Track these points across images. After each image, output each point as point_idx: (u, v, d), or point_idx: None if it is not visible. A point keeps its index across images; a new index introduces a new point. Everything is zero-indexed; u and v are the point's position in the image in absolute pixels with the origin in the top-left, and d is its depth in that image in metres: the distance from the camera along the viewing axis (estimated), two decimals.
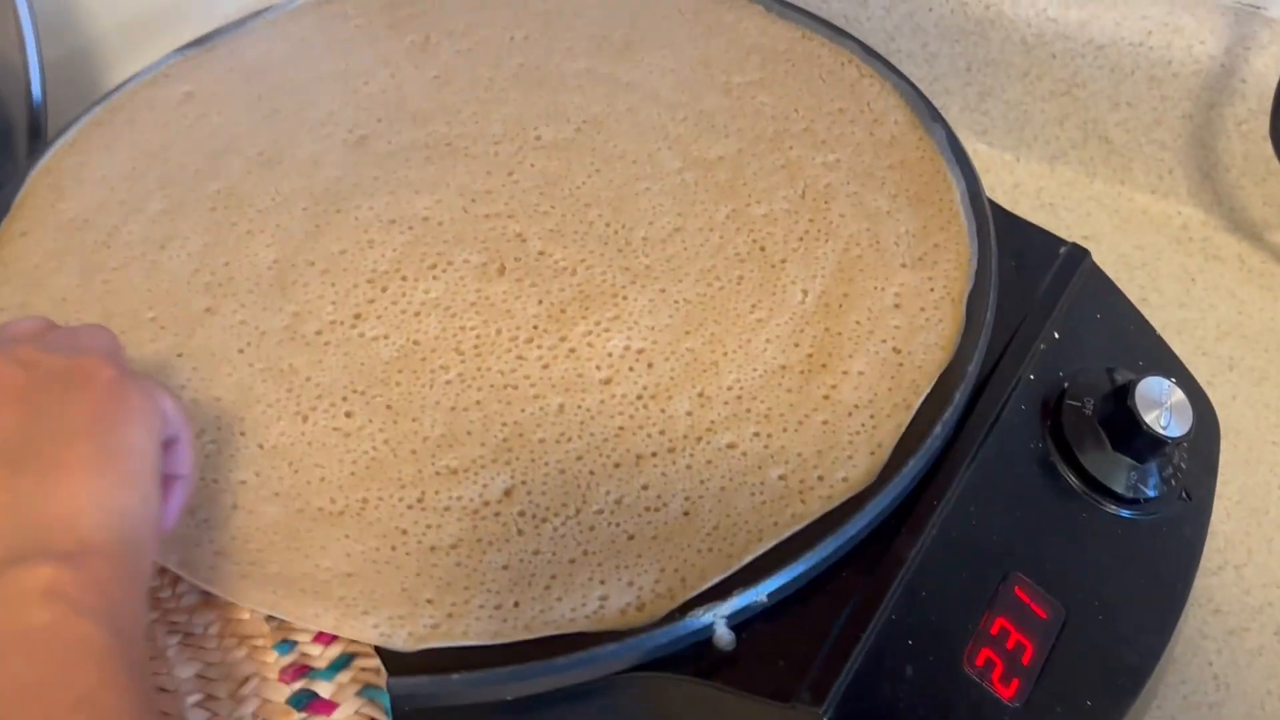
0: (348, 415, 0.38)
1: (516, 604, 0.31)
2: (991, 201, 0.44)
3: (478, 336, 0.40)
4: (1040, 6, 0.54)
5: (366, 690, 0.30)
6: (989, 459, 0.38)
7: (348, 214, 0.44)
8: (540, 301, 0.41)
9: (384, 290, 0.41)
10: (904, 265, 0.41)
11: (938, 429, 0.36)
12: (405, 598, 0.31)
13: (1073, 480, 0.38)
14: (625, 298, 0.41)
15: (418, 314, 0.40)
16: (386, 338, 0.40)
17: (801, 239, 0.43)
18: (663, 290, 0.41)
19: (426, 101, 0.50)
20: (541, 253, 0.42)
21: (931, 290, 0.40)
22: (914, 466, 0.36)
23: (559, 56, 0.52)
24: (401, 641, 0.30)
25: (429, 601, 0.31)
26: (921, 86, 0.49)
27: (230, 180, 0.46)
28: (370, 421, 0.37)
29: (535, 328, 0.40)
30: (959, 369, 0.38)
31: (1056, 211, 0.57)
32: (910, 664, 0.33)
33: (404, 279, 0.42)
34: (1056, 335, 0.41)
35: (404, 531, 0.34)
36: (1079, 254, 0.43)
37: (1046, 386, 0.40)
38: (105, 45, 0.67)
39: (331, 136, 0.48)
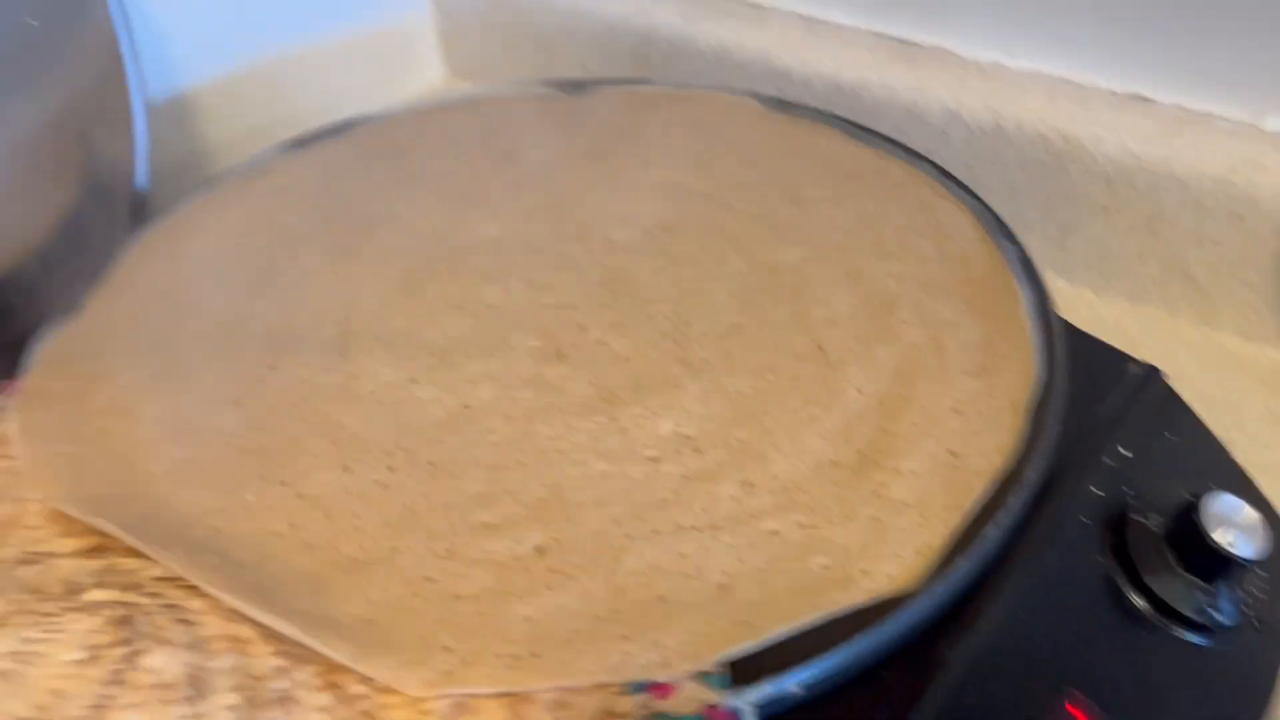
0: (390, 469, 0.38)
1: (535, 654, 0.31)
2: (1061, 317, 0.43)
3: (529, 407, 0.40)
4: (1122, 141, 0.54)
5: None
6: (1047, 570, 0.36)
7: (416, 297, 0.46)
8: (594, 384, 0.41)
9: (442, 361, 0.43)
10: (966, 373, 0.41)
11: (992, 532, 0.35)
12: (421, 643, 0.31)
13: (1136, 599, 0.36)
14: (679, 386, 0.41)
15: (473, 383, 0.41)
16: (439, 400, 0.41)
17: (861, 341, 0.43)
18: (717, 382, 0.41)
19: (505, 204, 0.52)
20: (601, 341, 0.43)
21: (993, 398, 0.40)
22: (964, 569, 0.34)
23: (637, 167, 0.54)
24: (414, 686, 0.30)
25: (445, 649, 0.31)
26: (1004, 219, 0.48)
27: (310, 262, 0.48)
28: (411, 476, 0.38)
29: (586, 405, 0.40)
30: (1019, 474, 0.37)
31: (1138, 349, 0.55)
32: None
33: (465, 354, 0.43)
34: (1124, 452, 0.40)
35: (430, 580, 0.34)
36: (1150, 372, 0.43)
37: (1111, 501, 0.39)
38: (211, 160, 0.72)
39: (412, 229, 0.50)
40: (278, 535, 0.36)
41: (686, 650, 0.31)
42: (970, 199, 0.50)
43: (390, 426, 0.40)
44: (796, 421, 0.40)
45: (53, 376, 0.43)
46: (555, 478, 0.37)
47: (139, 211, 0.57)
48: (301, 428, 0.40)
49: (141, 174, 0.58)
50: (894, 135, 0.57)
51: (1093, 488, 0.39)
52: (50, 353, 0.44)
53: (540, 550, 0.35)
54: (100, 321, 0.46)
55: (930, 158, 0.53)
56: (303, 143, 0.57)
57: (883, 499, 0.37)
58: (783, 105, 0.57)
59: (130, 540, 0.34)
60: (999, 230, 0.48)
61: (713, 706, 0.30)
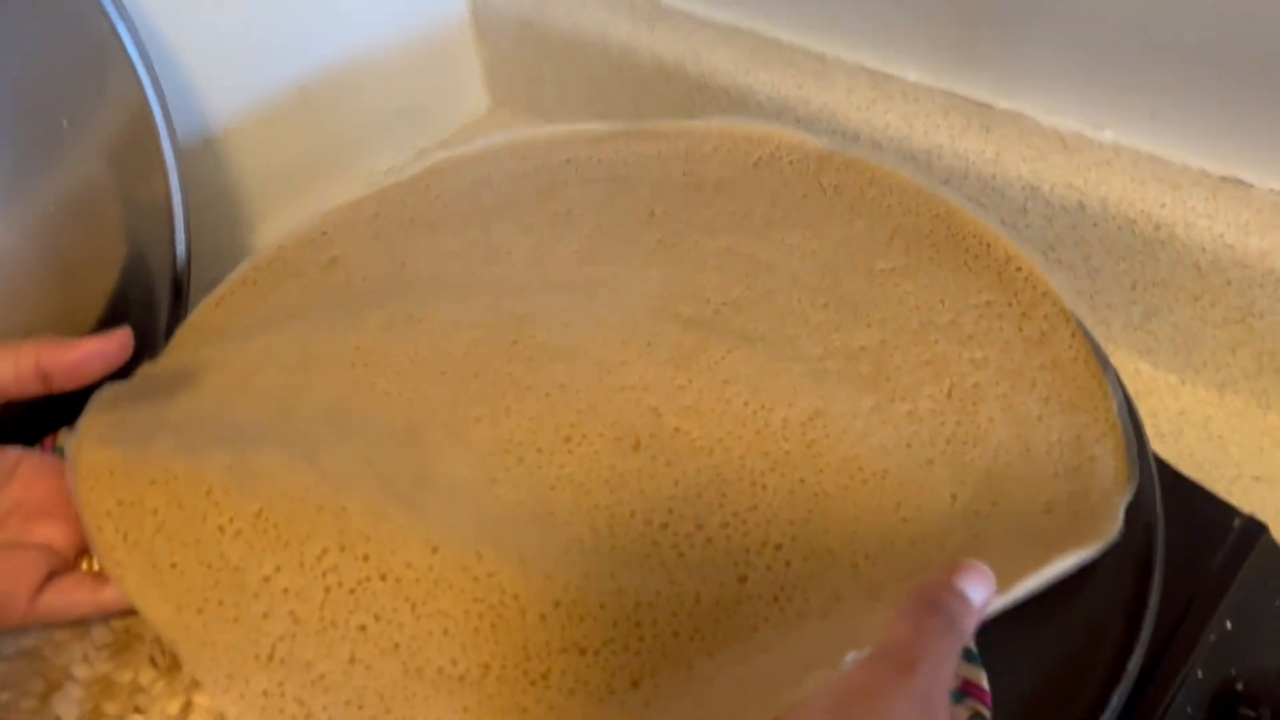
0: (479, 556, 0.39)
1: None
2: (1157, 457, 0.43)
3: (612, 515, 0.40)
4: (1217, 232, 0.53)
5: None
6: None
7: (485, 378, 0.46)
8: (676, 483, 0.41)
9: (520, 461, 0.43)
10: (1056, 475, 0.41)
11: None
12: None
13: None
14: (764, 486, 0.41)
15: (553, 488, 0.42)
16: (521, 504, 0.41)
17: (949, 441, 0.43)
18: (802, 480, 0.42)
19: (567, 275, 0.52)
20: (677, 429, 0.44)
21: (1087, 498, 0.40)
22: None
23: (698, 234, 0.54)
24: None
25: None
26: (1082, 299, 0.48)
27: (367, 339, 0.49)
28: (501, 569, 0.38)
29: (670, 510, 0.41)
30: (1119, 666, 0.36)
31: (1225, 446, 0.54)
32: None
33: (539, 450, 0.43)
34: (1229, 625, 0.39)
35: (525, 710, 0.34)
36: (1255, 528, 0.42)
37: (1216, 685, 0.38)
38: (250, 197, 0.73)
39: (472, 300, 0.50)
40: (361, 631, 0.37)
41: None
42: (1045, 264, 0.50)
43: (474, 517, 0.40)
44: (888, 525, 0.40)
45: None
46: (648, 596, 0.38)
47: (180, 276, 0.57)
48: (380, 495, 0.41)
49: (180, 226, 0.58)
50: (969, 207, 0.55)
51: (1197, 670, 0.38)
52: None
53: (636, 684, 0.36)
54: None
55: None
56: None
57: None
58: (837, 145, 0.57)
59: None
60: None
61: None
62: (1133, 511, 0.39)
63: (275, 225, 0.73)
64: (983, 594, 0.31)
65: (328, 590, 0.38)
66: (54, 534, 0.41)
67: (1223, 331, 0.55)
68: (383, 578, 0.38)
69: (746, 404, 0.45)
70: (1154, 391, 0.57)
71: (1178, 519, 0.40)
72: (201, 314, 0.51)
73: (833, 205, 0.55)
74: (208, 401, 0.46)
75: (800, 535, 0.40)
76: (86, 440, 0.44)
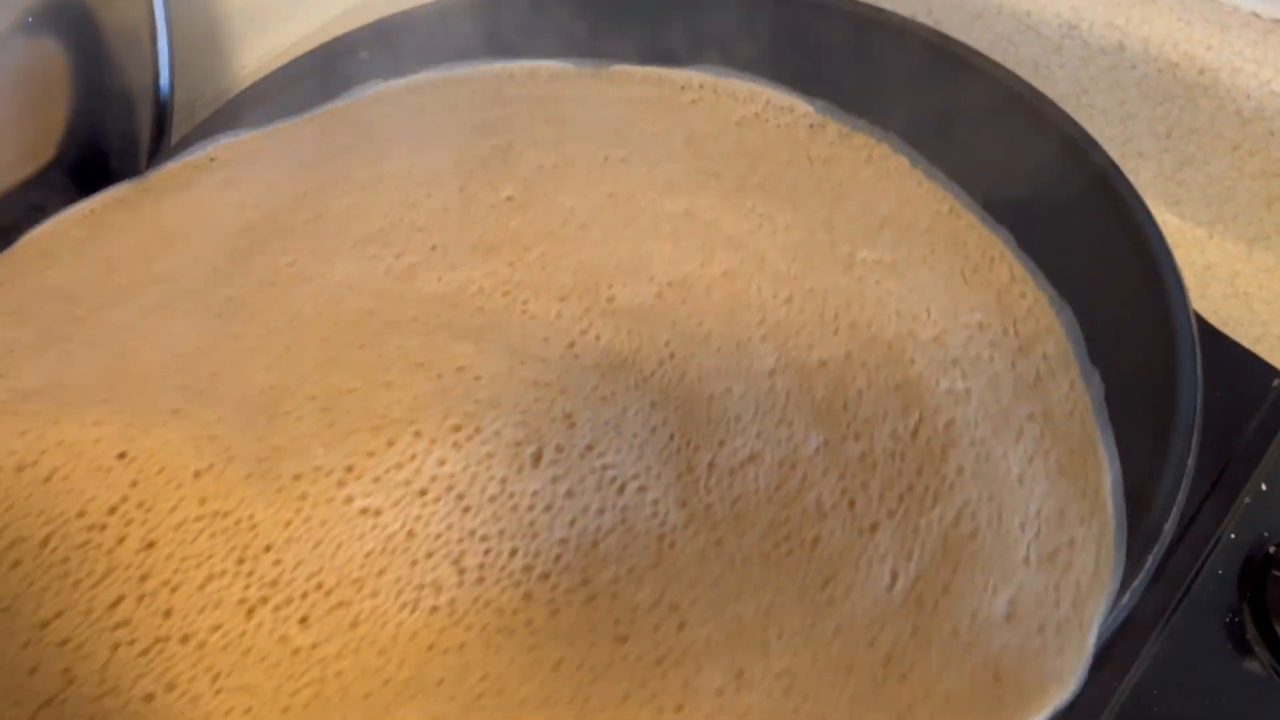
0: (303, 622, 0.32)
1: None
2: (1196, 313, 0.40)
3: (487, 553, 0.34)
4: (1264, 78, 0.50)
5: None
6: (1176, 635, 0.35)
7: (371, 349, 0.39)
8: (573, 522, 0.35)
9: (390, 444, 0.35)
10: (1026, 561, 0.35)
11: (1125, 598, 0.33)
12: None
13: (1271, 662, 0.34)
14: (674, 545, 0.35)
15: (423, 492, 0.35)
16: (378, 514, 0.34)
17: (903, 498, 0.36)
18: (719, 542, 0.35)
19: (492, 230, 0.44)
20: (589, 448, 0.37)
21: (1057, 606, 0.33)
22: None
23: (656, 190, 0.46)
24: None
25: None
26: (1112, 147, 0.46)
27: (246, 289, 0.41)
28: (329, 639, 0.32)
29: (558, 558, 0.34)
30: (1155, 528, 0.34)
31: (1250, 303, 0.52)
32: None
33: (417, 434, 0.36)
34: (1263, 486, 0.38)
35: None
36: None
37: (1248, 547, 0.37)
38: (234, 24, 0.65)
39: (376, 259, 0.43)
40: (148, 701, 0.31)
41: None
42: (1054, 292, 0.42)
43: (311, 548, 0.33)
44: (809, 605, 0.34)
45: None
46: (498, 667, 0.32)
47: (164, 104, 0.51)
48: (197, 516, 0.34)
49: (163, 50, 0.51)
50: (1002, 45, 0.55)
51: (1230, 532, 0.37)
52: None
53: None
54: None
55: (1042, 84, 0.48)
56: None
57: None
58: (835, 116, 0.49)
59: None
60: (1083, 347, 0.41)
61: None
62: (1169, 376, 0.37)
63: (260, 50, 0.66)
64: None
65: (115, 648, 0.31)
66: None
67: (1259, 184, 0.54)
68: (184, 639, 0.31)
69: (673, 436, 0.38)
70: (1180, 245, 0.55)
71: (1215, 377, 0.39)
72: (60, 224, 0.44)
73: (820, 179, 0.47)
74: (28, 329, 0.39)
75: (704, 600, 0.33)
76: None
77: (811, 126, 0.50)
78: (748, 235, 0.45)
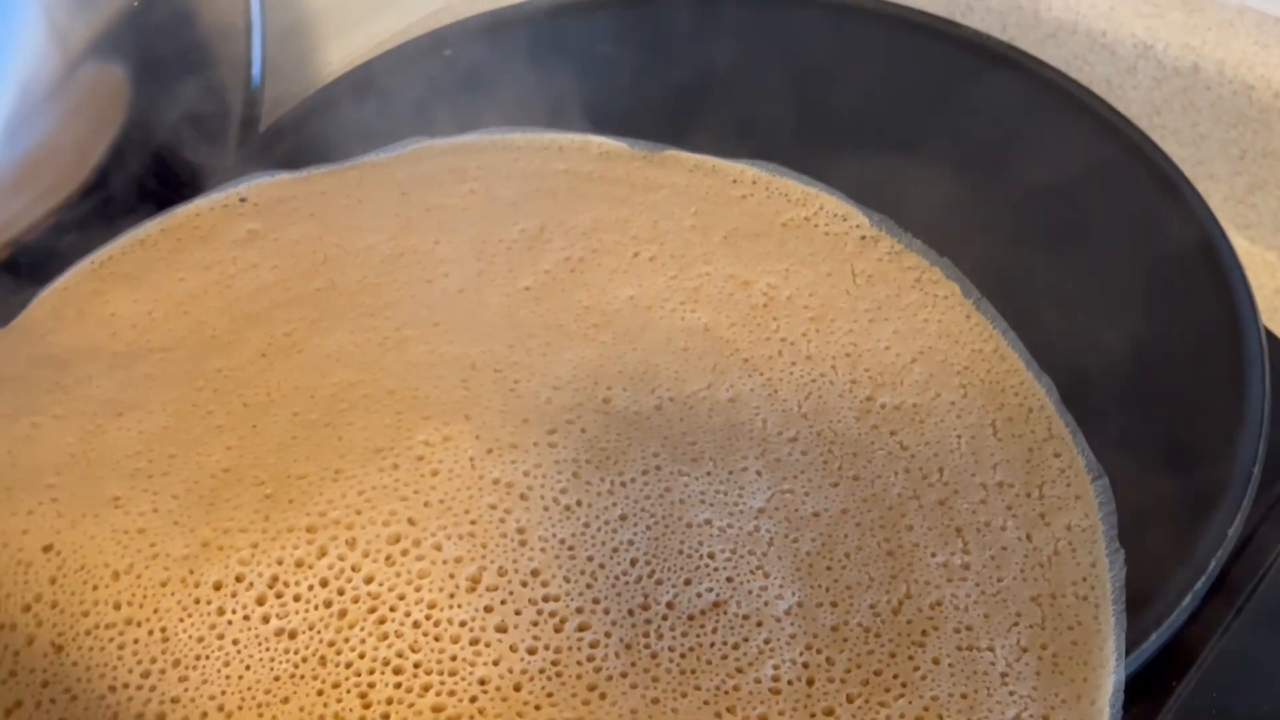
0: None
1: None
2: (1268, 330, 0.44)
3: (398, 687, 0.32)
4: None
5: None
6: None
7: (333, 429, 0.38)
8: (497, 663, 0.33)
9: (321, 554, 0.34)
10: None
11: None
12: None
13: None
14: (604, 696, 0.32)
15: (344, 614, 0.33)
16: (293, 637, 0.33)
17: (867, 682, 0.33)
18: (655, 701, 0.32)
19: (501, 315, 0.43)
20: (535, 573, 0.34)
21: None
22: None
23: (679, 299, 0.44)
24: None
25: None
26: (1185, 168, 0.47)
27: (238, 361, 0.41)
28: None
29: (473, 700, 0.32)
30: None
31: None
32: None
33: (350, 543, 0.34)
34: None
35: None
36: None
37: None
38: (321, 22, 0.69)
39: (373, 330, 0.42)
40: None
41: None
42: (1090, 458, 0.39)
43: (219, 668, 0.32)
44: None
45: None
46: None
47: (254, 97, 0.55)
48: (110, 624, 0.33)
49: (256, 44, 0.55)
50: (1076, 64, 0.56)
51: None
52: None
53: None
54: None
55: (1115, 100, 0.51)
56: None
57: None
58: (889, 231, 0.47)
59: None
60: (1113, 531, 0.37)
61: None
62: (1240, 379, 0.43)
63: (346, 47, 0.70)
64: None
65: None
66: None
67: None
68: None
69: (634, 564, 0.35)
70: (1251, 268, 0.54)
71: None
72: (75, 278, 0.44)
73: (857, 299, 0.44)
74: (2, 412, 0.39)
75: None
76: None
77: (863, 238, 0.47)
78: (764, 362, 0.42)
